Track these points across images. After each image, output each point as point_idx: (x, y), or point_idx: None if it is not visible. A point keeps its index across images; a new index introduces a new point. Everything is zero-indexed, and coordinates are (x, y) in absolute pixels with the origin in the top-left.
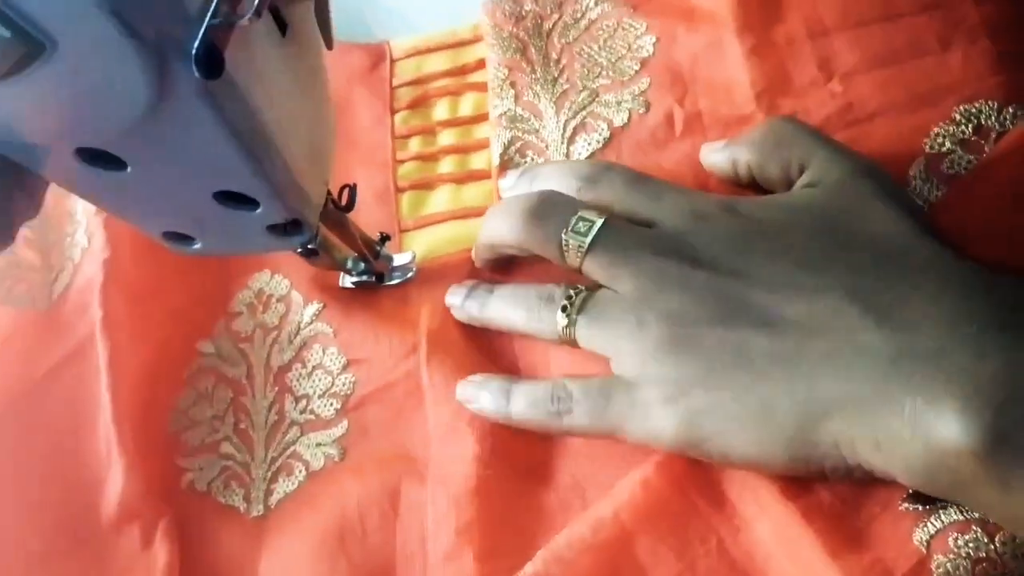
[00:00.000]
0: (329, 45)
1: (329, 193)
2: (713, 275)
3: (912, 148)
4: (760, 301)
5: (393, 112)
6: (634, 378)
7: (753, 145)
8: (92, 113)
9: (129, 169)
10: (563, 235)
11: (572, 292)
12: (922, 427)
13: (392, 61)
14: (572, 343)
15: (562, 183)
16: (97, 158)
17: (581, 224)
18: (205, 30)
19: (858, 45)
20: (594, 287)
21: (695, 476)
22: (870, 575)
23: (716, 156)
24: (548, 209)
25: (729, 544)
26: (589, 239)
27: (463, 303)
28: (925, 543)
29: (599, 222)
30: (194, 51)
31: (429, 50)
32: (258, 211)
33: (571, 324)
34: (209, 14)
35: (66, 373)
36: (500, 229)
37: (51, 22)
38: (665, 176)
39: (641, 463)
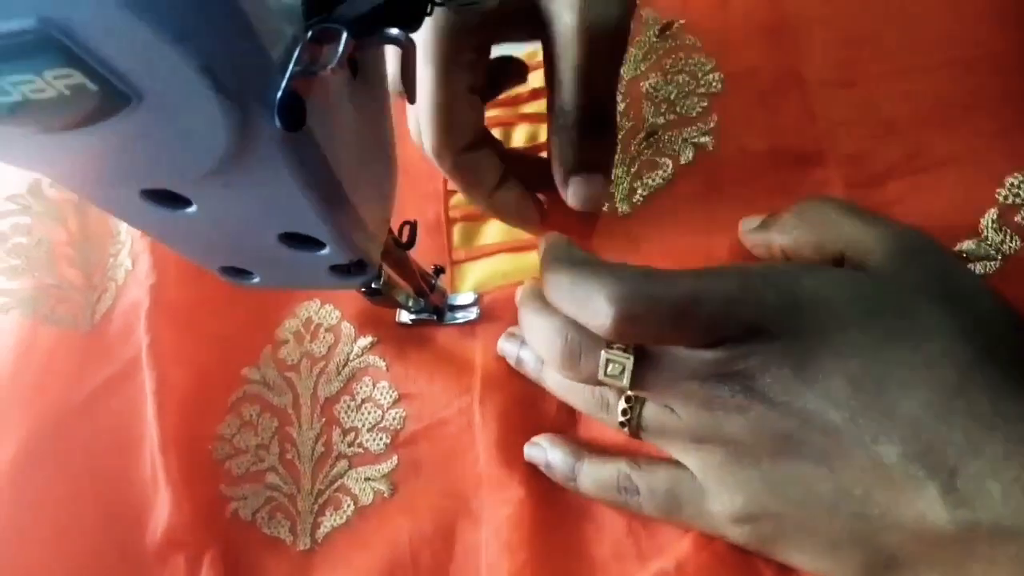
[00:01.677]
0: (411, 99)
1: (390, 230)
2: (767, 409)
3: (984, 197)
4: (818, 442)
5: None
6: (702, 482)
7: (785, 229)
8: (168, 160)
9: (194, 208)
10: (600, 378)
11: (632, 401)
12: None
13: None
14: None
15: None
16: (162, 196)
17: (612, 367)
18: (288, 80)
19: (930, 88)
20: None
21: None
22: None
23: (753, 237)
24: (575, 360)
25: None
26: (626, 381)
27: (517, 357)
28: None
29: (628, 363)
30: (276, 102)
31: None
32: (323, 252)
33: (632, 433)
34: (292, 64)
35: (110, 396)
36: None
37: (140, 77)
38: (732, 218)
39: None
